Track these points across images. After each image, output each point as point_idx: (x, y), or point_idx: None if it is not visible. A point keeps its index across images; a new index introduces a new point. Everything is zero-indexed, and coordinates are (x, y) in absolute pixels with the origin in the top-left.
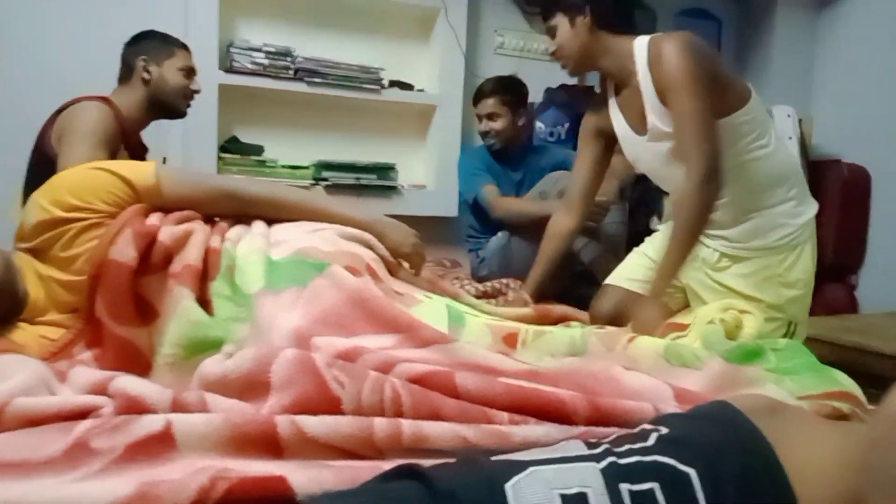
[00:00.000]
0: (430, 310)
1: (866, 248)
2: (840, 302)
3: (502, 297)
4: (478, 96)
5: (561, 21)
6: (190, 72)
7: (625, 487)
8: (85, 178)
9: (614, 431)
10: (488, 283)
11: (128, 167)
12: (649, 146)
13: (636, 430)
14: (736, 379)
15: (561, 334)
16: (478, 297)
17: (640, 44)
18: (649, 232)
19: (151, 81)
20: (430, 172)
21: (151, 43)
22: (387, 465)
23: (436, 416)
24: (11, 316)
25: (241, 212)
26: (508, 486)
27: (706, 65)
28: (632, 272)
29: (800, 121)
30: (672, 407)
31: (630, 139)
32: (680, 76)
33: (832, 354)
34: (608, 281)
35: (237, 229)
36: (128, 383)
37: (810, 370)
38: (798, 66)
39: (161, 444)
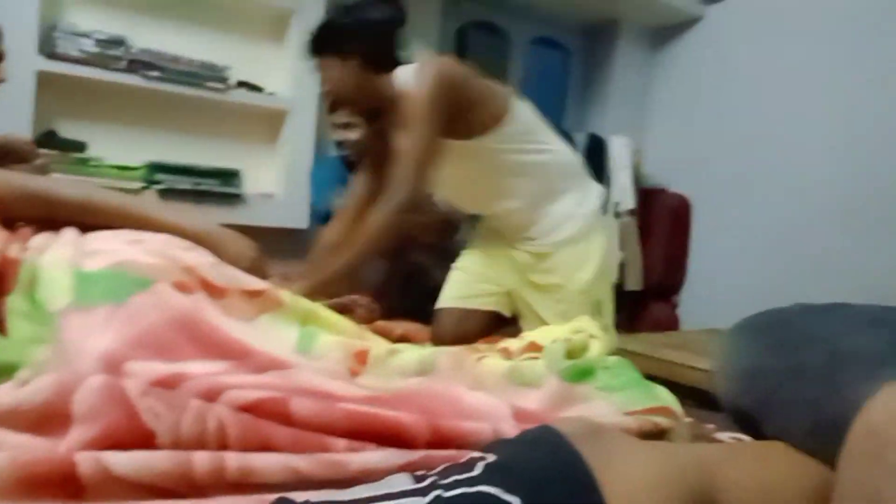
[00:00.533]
0: (285, 316)
1: (686, 270)
2: (664, 319)
3: (350, 314)
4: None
5: (331, 63)
6: None
7: None
8: None
9: (450, 455)
10: (336, 300)
11: None
12: None
13: (464, 459)
14: (569, 397)
15: (411, 353)
16: None
17: (404, 74)
18: None
19: None
20: (279, 181)
21: None
22: None
23: (266, 446)
24: None
25: (48, 216)
26: None
27: (447, 93)
28: (459, 290)
29: (634, 151)
30: (510, 426)
31: None
32: (412, 107)
33: (656, 368)
34: (440, 305)
35: (43, 237)
36: None
37: (635, 386)
38: (634, 100)
39: None
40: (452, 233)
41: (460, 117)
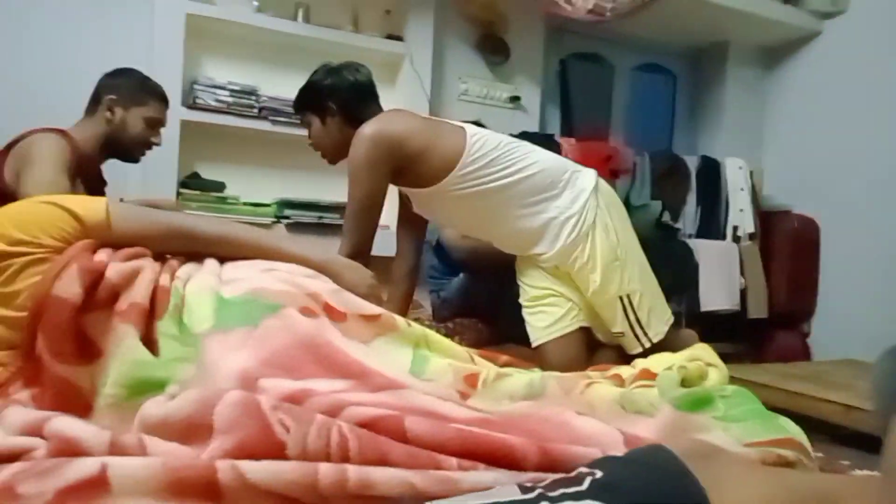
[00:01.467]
0: (399, 340)
1: (817, 296)
2: (793, 349)
3: (458, 337)
4: None
5: (313, 119)
6: (156, 124)
7: None
8: (32, 211)
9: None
10: (448, 323)
11: (78, 202)
12: None
13: (572, 473)
14: (685, 426)
15: (520, 377)
16: None
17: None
18: None
19: (112, 122)
20: (393, 212)
21: (128, 83)
22: None
23: (383, 461)
24: None
25: (192, 250)
26: None
27: (381, 155)
28: (546, 320)
29: (751, 173)
30: (622, 453)
31: None
32: (349, 170)
33: (783, 401)
34: (538, 342)
35: (188, 267)
36: (64, 424)
37: (756, 417)
38: (748, 121)
39: (94, 489)
40: None
41: (409, 170)
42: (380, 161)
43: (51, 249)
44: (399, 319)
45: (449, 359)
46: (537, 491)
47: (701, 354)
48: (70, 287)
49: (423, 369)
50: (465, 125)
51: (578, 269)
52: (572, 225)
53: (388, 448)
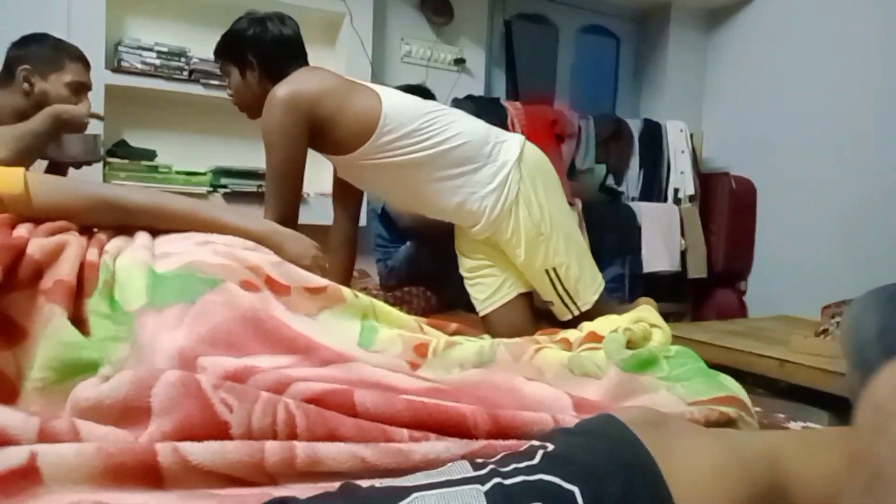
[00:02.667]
0: (346, 312)
1: (754, 255)
2: (730, 307)
3: (406, 306)
4: None
5: (232, 70)
6: (80, 87)
7: None
8: None
9: (511, 445)
10: (396, 292)
11: None
12: None
13: (524, 447)
14: (632, 387)
15: (470, 345)
16: None
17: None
18: None
19: (32, 95)
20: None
21: (40, 50)
22: (277, 492)
23: (333, 436)
24: None
25: (122, 222)
26: None
27: (293, 118)
28: (486, 291)
29: (691, 135)
30: (571, 416)
31: None
32: (263, 134)
33: (723, 357)
34: (483, 312)
35: (117, 241)
36: None
37: (699, 376)
38: (689, 84)
39: (24, 480)
40: None
41: (323, 135)
42: (295, 125)
43: None
44: (346, 291)
45: (398, 329)
46: (489, 467)
47: (645, 316)
48: None
49: (372, 340)
50: (380, 90)
51: (504, 243)
52: (493, 200)
53: (336, 423)
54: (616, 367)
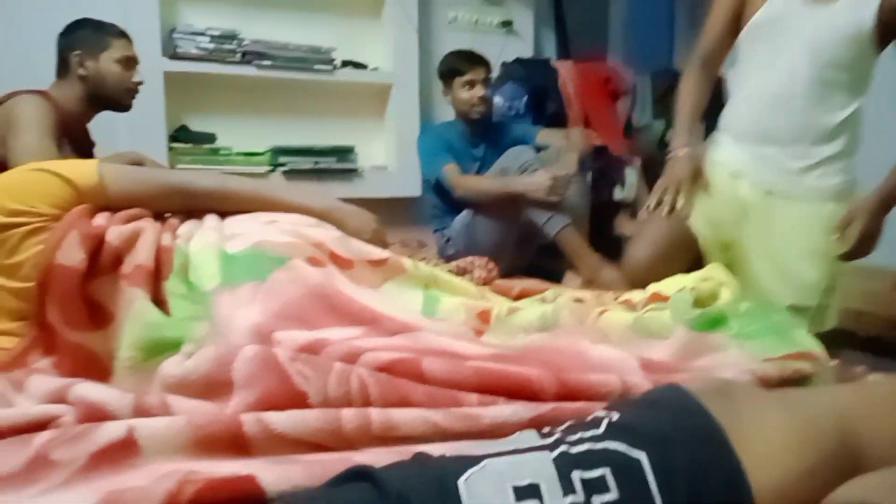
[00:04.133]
0: (408, 282)
1: None
2: None
3: (469, 276)
4: (463, 64)
5: None
6: (129, 62)
7: (577, 475)
8: (25, 180)
9: (579, 407)
10: (454, 263)
11: (69, 166)
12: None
13: (589, 417)
14: (701, 346)
15: (533, 309)
16: None
17: None
18: (612, 203)
19: (88, 77)
20: (390, 153)
21: (84, 34)
22: (358, 456)
23: (404, 403)
24: None
25: (191, 207)
26: (461, 481)
27: None
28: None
29: None
30: (639, 378)
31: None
32: None
33: None
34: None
35: (189, 225)
36: (87, 390)
37: (772, 332)
38: None
39: (124, 451)
40: (564, 189)
41: None
42: None
43: (48, 217)
44: (406, 262)
45: (460, 297)
46: (556, 436)
47: (714, 274)
48: (73, 254)
49: (435, 309)
50: None
51: None
52: None
53: (407, 390)
54: (684, 327)
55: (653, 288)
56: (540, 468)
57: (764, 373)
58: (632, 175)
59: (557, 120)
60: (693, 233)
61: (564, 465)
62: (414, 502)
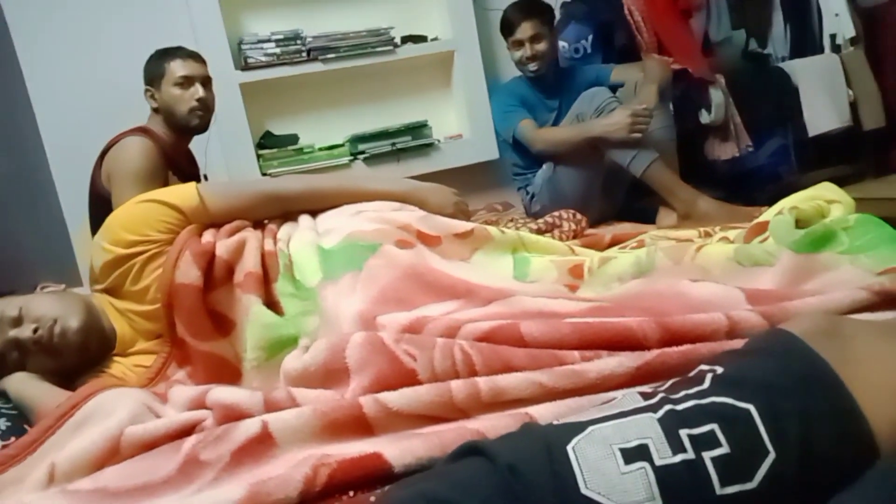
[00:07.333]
0: (497, 249)
1: None
2: None
3: (558, 230)
4: (513, 22)
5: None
6: (186, 81)
7: (684, 433)
8: (134, 212)
9: (685, 351)
10: (541, 220)
11: (171, 193)
12: None
13: (692, 373)
14: (810, 268)
15: (626, 257)
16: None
17: None
18: (701, 128)
19: (161, 108)
20: (462, 121)
21: (149, 67)
22: (471, 423)
23: (508, 368)
24: (105, 353)
25: (284, 210)
26: (570, 447)
27: None
28: None
29: None
30: (745, 311)
31: None
32: None
33: None
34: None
35: (286, 228)
36: (222, 393)
37: (886, 243)
38: None
39: (262, 445)
40: (645, 125)
41: None
42: None
43: (162, 242)
44: (492, 229)
45: (549, 256)
46: (659, 395)
47: (820, 193)
48: (189, 272)
49: (526, 272)
50: None
51: None
52: None
53: (509, 355)
54: (788, 251)
55: (758, 219)
56: (646, 429)
57: (882, 287)
58: (717, 95)
59: (629, 52)
60: None
61: (671, 424)
62: (525, 472)
